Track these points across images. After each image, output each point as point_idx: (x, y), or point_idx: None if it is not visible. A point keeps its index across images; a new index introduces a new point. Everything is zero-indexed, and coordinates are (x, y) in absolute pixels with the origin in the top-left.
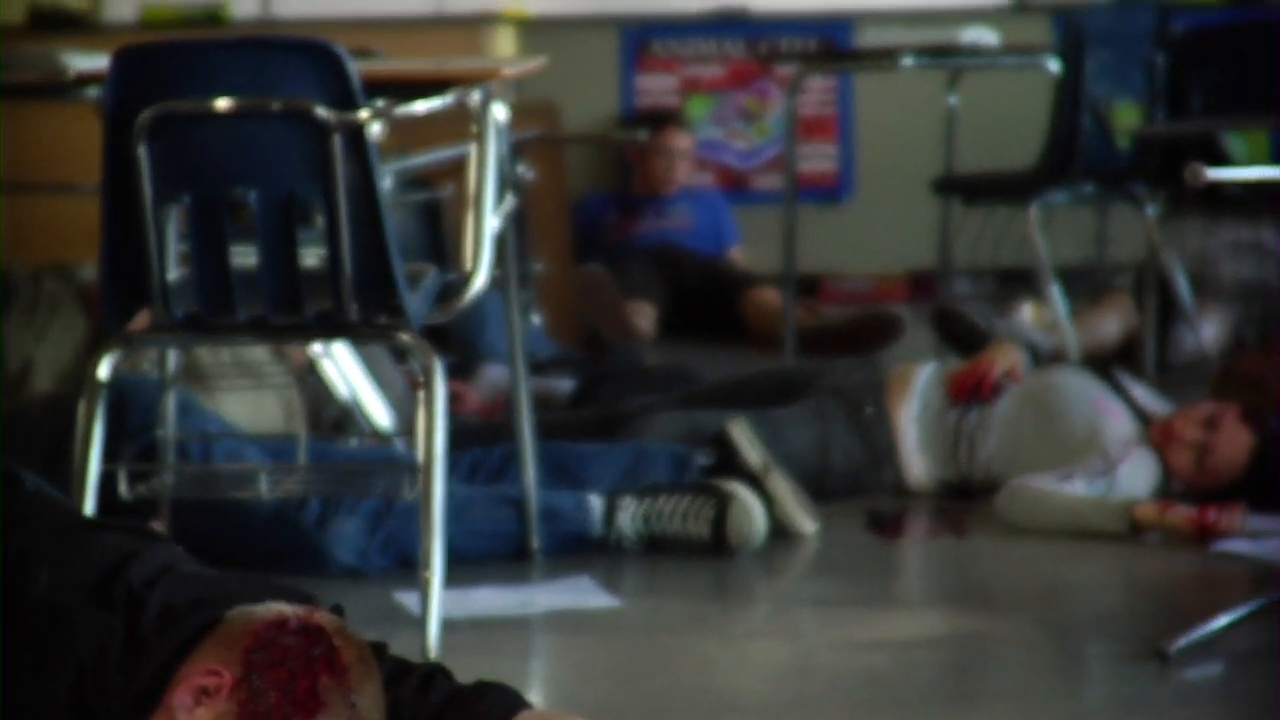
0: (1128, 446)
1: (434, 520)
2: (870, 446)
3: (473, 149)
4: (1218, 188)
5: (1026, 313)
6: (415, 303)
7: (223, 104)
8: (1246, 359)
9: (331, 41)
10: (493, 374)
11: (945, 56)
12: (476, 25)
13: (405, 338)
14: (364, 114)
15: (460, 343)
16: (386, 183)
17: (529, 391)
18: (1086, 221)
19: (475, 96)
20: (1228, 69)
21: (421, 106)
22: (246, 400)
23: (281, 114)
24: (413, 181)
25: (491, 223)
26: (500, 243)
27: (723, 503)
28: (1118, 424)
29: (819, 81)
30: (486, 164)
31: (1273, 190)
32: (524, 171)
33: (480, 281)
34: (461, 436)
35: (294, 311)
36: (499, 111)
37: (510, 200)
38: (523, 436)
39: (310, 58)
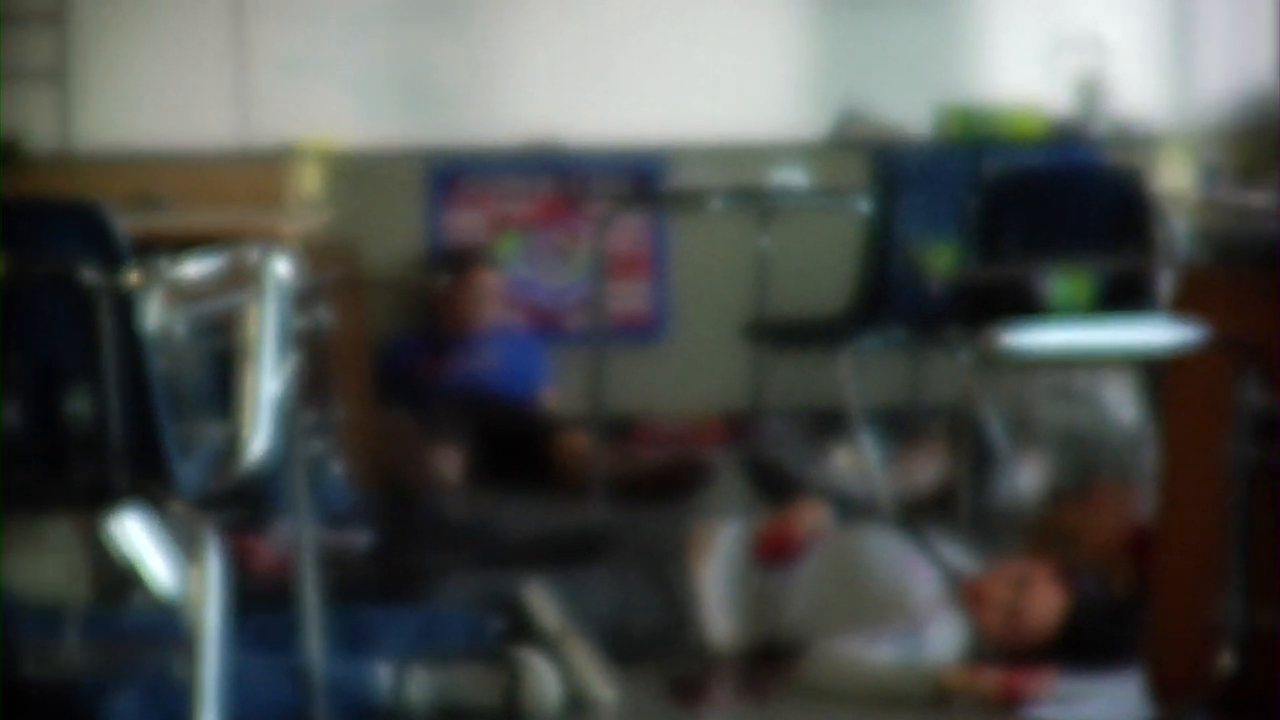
0: (935, 607)
1: (207, 698)
2: (673, 607)
3: (252, 309)
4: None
5: (840, 458)
6: (189, 469)
7: None
8: (1061, 510)
9: (100, 203)
10: (288, 527)
11: (754, 198)
12: (280, 160)
13: (176, 507)
14: (132, 277)
15: (253, 493)
16: (179, 329)
17: (315, 556)
18: (901, 362)
19: (254, 255)
20: (1044, 210)
21: (194, 269)
22: (24, 562)
23: (45, 277)
24: (207, 325)
25: (270, 385)
26: (283, 404)
27: (516, 672)
28: (925, 584)
29: (632, 219)
30: (266, 325)
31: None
32: (322, 316)
33: (258, 449)
34: (249, 599)
35: (58, 481)
36: (281, 267)
37: (293, 359)
38: (307, 603)
39: (78, 220)
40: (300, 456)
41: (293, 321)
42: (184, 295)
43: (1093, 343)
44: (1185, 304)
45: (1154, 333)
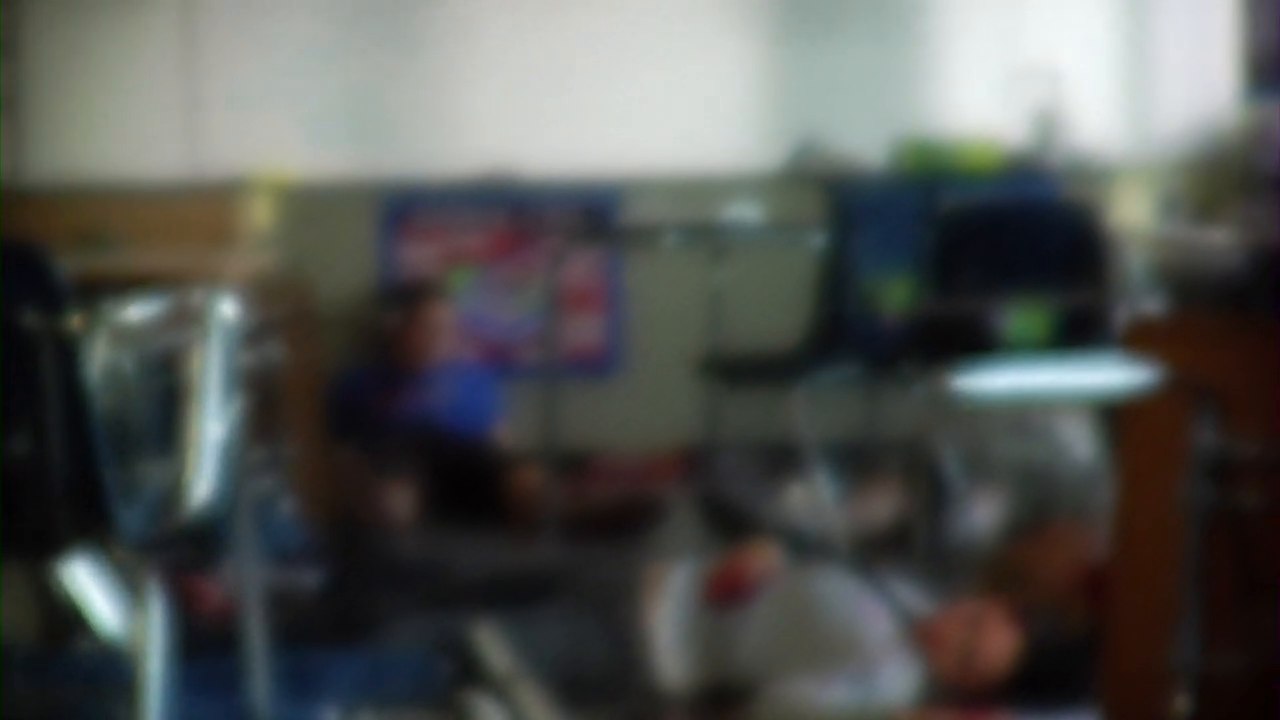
0: (889, 648)
1: None
2: (624, 649)
3: (196, 352)
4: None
5: (795, 494)
6: (132, 515)
7: None
8: (1017, 549)
9: (41, 245)
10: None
11: (708, 234)
12: (231, 192)
13: (118, 554)
14: (74, 321)
15: (201, 533)
16: (127, 366)
17: (262, 597)
18: (857, 398)
19: (198, 297)
20: (999, 245)
21: (137, 313)
22: None
23: None
24: (156, 362)
25: (215, 429)
26: (228, 446)
27: (464, 716)
28: (878, 625)
29: (587, 252)
30: (210, 368)
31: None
32: (272, 352)
33: (201, 494)
34: (197, 640)
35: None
36: (226, 308)
37: (240, 400)
38: (253, 646)
39: (17, 262)
40: (246, 499)
41: (240, 360)
42: (129, 336)
43: (1047, 386)
44: (1139, 345)
45: (1109, 375)
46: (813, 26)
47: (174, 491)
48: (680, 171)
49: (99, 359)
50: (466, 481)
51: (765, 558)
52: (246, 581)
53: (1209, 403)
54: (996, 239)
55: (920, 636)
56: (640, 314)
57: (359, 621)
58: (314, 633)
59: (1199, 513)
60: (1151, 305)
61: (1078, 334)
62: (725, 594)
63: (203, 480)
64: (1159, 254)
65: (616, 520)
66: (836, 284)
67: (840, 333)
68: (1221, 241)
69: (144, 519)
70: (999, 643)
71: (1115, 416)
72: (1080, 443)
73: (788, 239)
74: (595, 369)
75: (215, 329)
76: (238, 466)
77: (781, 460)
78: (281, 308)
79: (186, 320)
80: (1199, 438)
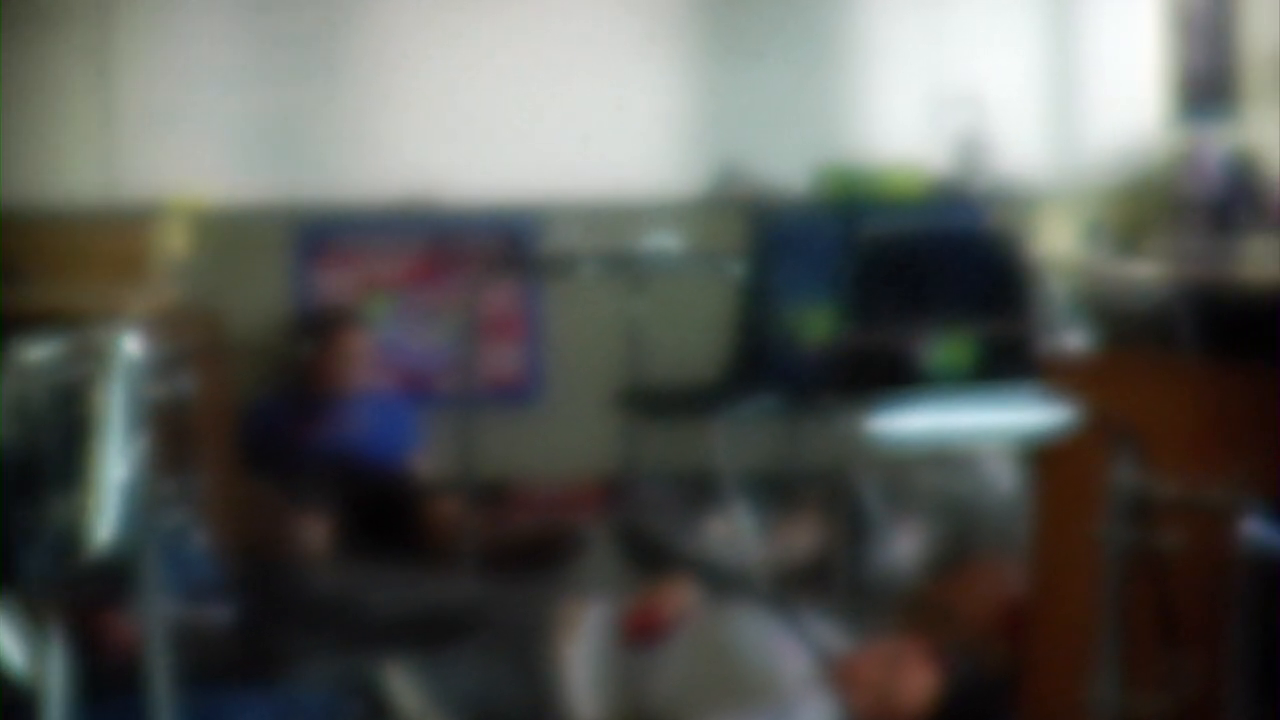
0: (805, 688)
1: None
2: (539, 689)
3: (99, 390)
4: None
5: (716, 527)
6: (33, 555)
7: None
8: (937, 585)
9: None
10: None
11: (626, 263)
12: (146, 218)
13: (17, 597)
14: None
15: (110, 568)
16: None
17: (170, 635)
18: (780, 428)
19: (102, 335)
20: (921, 275)
21: (35, 355)
22: None
23: None
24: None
25: (117, 469)
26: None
27: None
28: (795, 664)
29: (506, 280)
30: (113, 408)
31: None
32: (183, 384)
33: (103, 534)
34: (105, 678)
35: None
36: (130, 346)
37: (145, 437)
38: (159, 686)
39: None
40: (154, 534)
41: (148, 395)
42: (34, 373)
43: (964, 428)
44: (1060, 382)
45: (1028, 415)
46: (736, 52)
47: (77, 530)
48: (601, 197)
49: (6, 394)
50: (382, 513)
51: (681, 596)
52: (153, 619)
53: (1128, 442)
54: (917, 268)
55: (837, 676)
56: (560, 342)
57: (269, 660)
58: (223, 671)
59: (1117, 553)
60: (1076, 337)
61: (1001, 364)
62: (641, 633)
63: (105, 519)
64: (1084, 285)
65: (534, 553)
66: (756, 314)
67: (760, 363)
68: (1148, 275)
69: (47, 558)
70: (917, 682)
71: (1034, 453)
72: (1003, 476)
73: (707, 268)
74: (514, 398)
75: (118, 366)
76: (144, 502)
77: (702, 491)
78: (191, 339)
79: (89, 358)
80: (1118, 477)
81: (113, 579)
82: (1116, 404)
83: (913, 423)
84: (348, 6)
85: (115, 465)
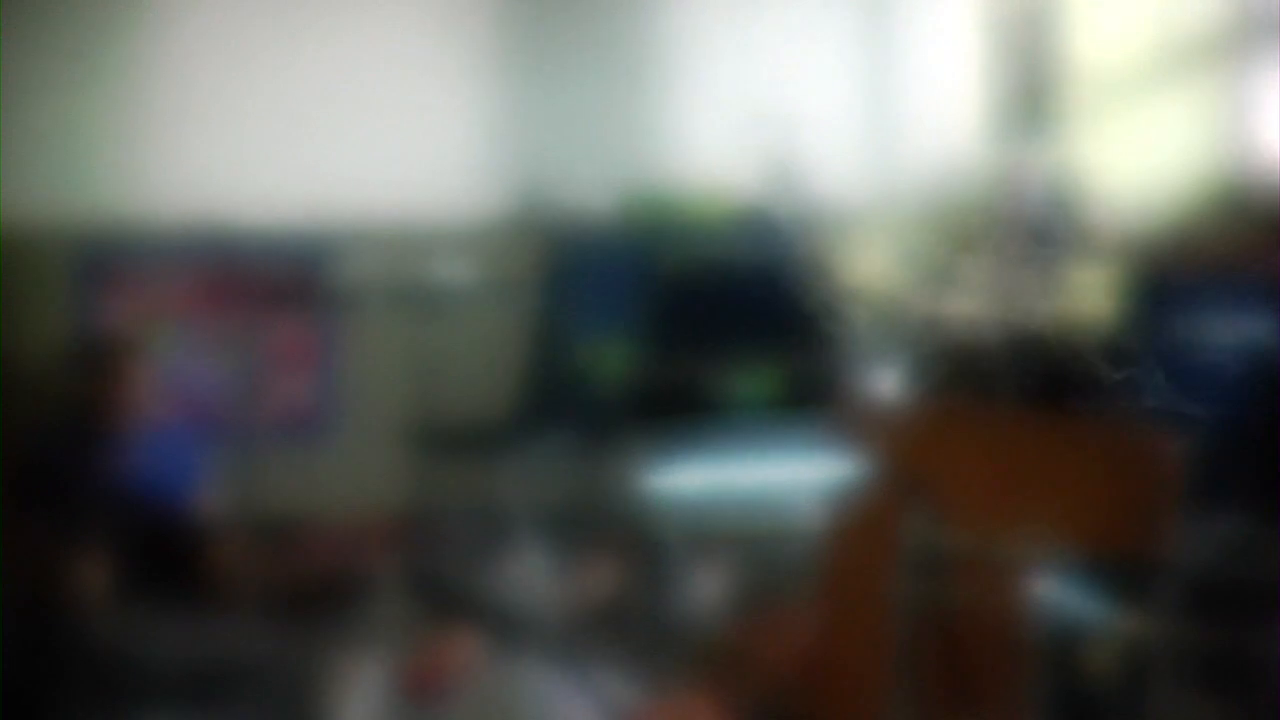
0: None
1: None
2: None
3: None
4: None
5: (510, 568)
6: None
7: None
8: (739, 630)
9: None
10: None
11: (416, 294)
12: None
13: None
14: None
15: None
16: None
17: None
18: (575, 464)
19: None
20: (723, 306)
21: None
22: None
23: None
24: None
25: None
26: None
27: None
28: None
29: (297, 309)
30: None
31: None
32: None
33: None
34: None
35: None
36: None
37: None
38: None
39: None
40: None
41: None
42: None
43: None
44: (859, 431)
45: (816, 470)
46: (539, 69)
47: None
48: (396, 222)
49: None
50: (163, 555)
51: (465, 649)
52: None
53: (921, 495)
54: (719, 299)
55: None
56: (352, 374)
57: (39, 717)
58: None
59: (909, 609)
60: (886, 374)
61: (806, 396)
62: (422, 687)
63: None
64: (898, 318)
65: (321, 597)
66: (550, 347)
67: (553, 399)
68: (965, 312)
69: None
70: None
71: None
72: (810, 514)
73: (500, 298)
74: (304, 432)
75: None
76: None
77: (497, 529)
78: None
79: None
80: (909, 532)
81: None
82: (918, 454)
83: (698, 479)
84: (128, 12)
85: None
